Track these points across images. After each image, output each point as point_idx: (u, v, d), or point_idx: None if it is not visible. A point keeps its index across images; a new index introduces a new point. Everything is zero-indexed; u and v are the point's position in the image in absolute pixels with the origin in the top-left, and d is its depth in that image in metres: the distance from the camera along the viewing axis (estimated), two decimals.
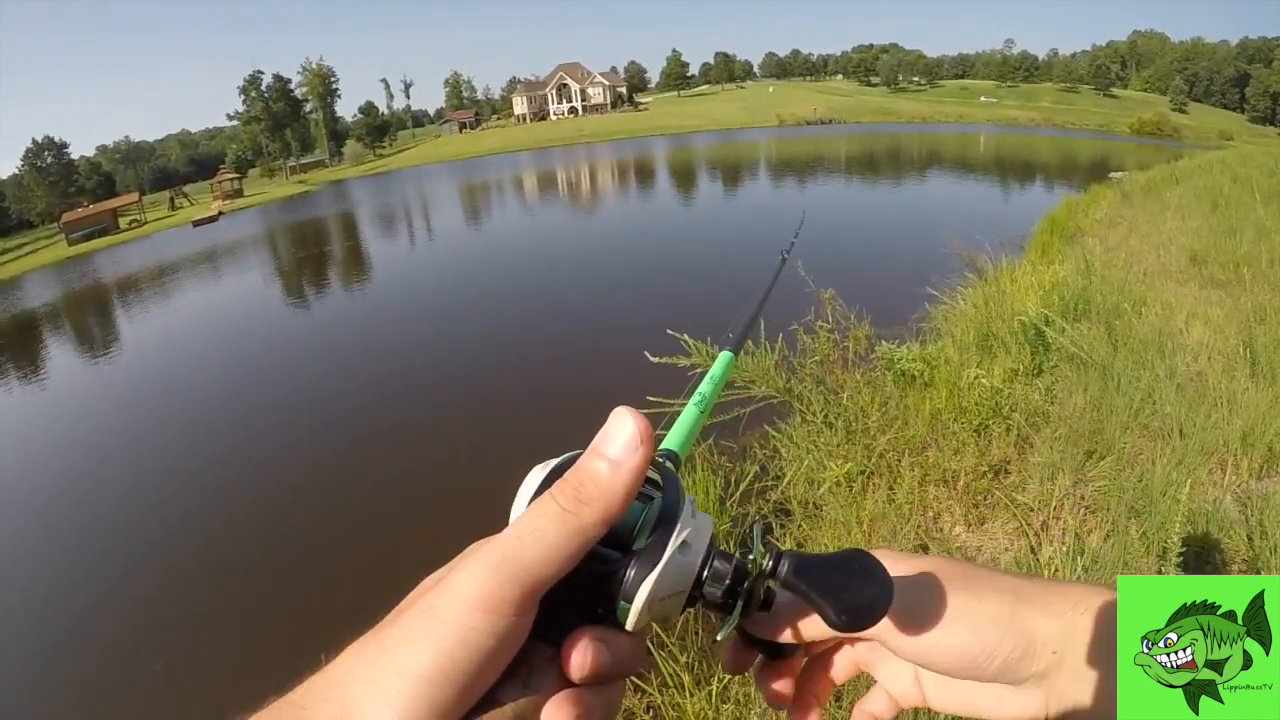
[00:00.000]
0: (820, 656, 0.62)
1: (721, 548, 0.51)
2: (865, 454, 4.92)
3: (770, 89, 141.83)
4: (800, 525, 4.79)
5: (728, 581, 0.50)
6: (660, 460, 0.56)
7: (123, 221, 66.93)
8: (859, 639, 0.60)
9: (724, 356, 0.78)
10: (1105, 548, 3.63)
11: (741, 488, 5.39)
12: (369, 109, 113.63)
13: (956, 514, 4.41)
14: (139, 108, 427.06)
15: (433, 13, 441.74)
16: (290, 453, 9.80)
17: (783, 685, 0.59)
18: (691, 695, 3.51)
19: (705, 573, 0.49)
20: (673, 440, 0.61)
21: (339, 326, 17.75)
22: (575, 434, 0.54)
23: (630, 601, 0.46)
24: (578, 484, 0.45)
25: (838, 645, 0.62)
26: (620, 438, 0.45)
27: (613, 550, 0.47)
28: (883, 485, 4.66)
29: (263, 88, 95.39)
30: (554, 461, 0.50)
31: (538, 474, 0.49)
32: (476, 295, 17.60)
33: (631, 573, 0.46)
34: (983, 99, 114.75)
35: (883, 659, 0.60)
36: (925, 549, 4.06)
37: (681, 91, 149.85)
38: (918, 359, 5.90)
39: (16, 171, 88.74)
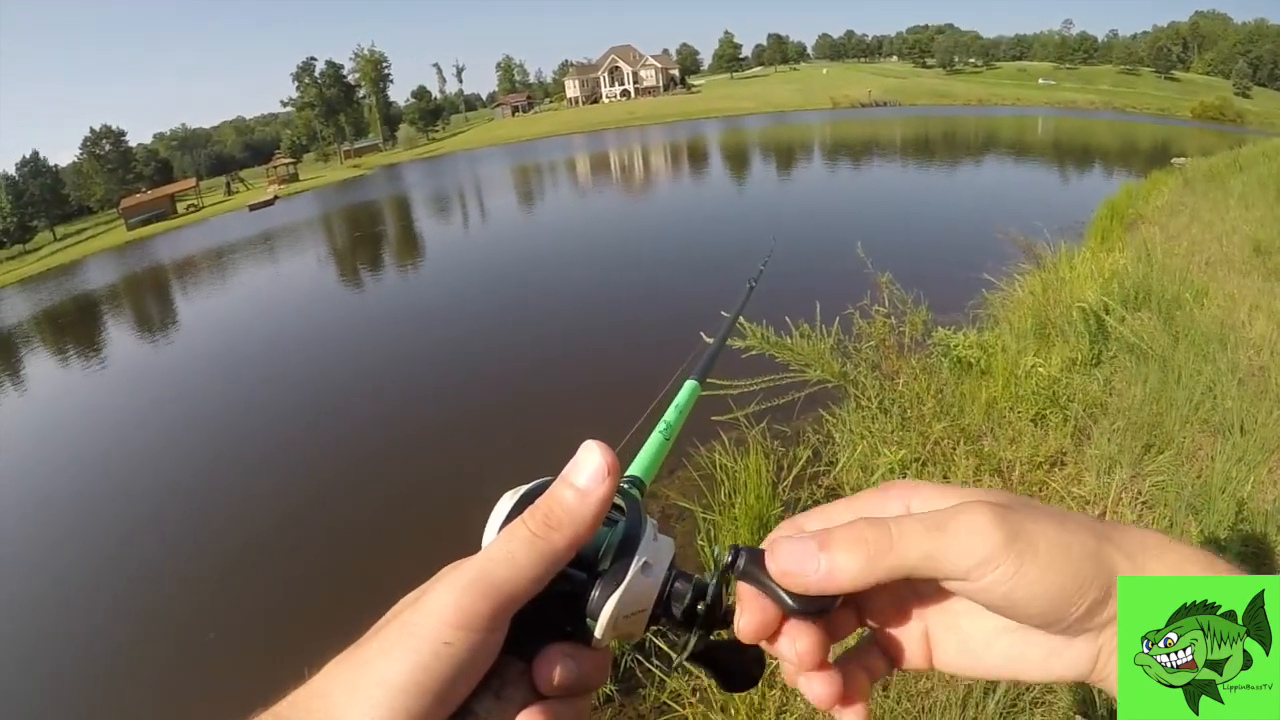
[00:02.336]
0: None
1: (685, 569, 0.54)
2: (920, 441, 4.90)
3: (824, 71, 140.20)
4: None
5: (687, 600, 0.53)
6: (625, 486, 0.59)
7: (180, 206, 68.22)
8: (919, 584, 0.50)
9: (689, 385, 0.79)
10: None
11: (794, 472, 5.39)
12: (422, 93, 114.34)
13: None
14: (195, 95, 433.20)
15: None
16: (346, 428, 10.00)
17: (812, 647, 0.50)
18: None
19: (666, 592, 0.52)
20: (638, 467, 0.64)
21: (390, 307, 18.09)
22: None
23: (596, 619, 0.49)
24: (548, 510, 0.48)
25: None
26: (588, 469, 0.48)
27: (579, 571, 0.50)
28: (937, 474, 4.64)
29: (316, 74, 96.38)
30: (524, 488, 0.53)
31: (508, 500, 0.53)
32: (526, 280, 17.63)
33: (597, 592, 0.49)
34: (1041, 81, 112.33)
35: (896, 614, 0.55)
36: None
37: (734, 74, 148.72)
38: (974, 346, 5.85)
39: (76, 159, 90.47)
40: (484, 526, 0.52)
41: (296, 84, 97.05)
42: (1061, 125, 58.20)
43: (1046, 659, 0.50)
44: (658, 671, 3.76)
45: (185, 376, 15.05)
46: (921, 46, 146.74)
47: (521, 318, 13.97)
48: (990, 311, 8.04)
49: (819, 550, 0.48)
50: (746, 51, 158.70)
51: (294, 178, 78.02)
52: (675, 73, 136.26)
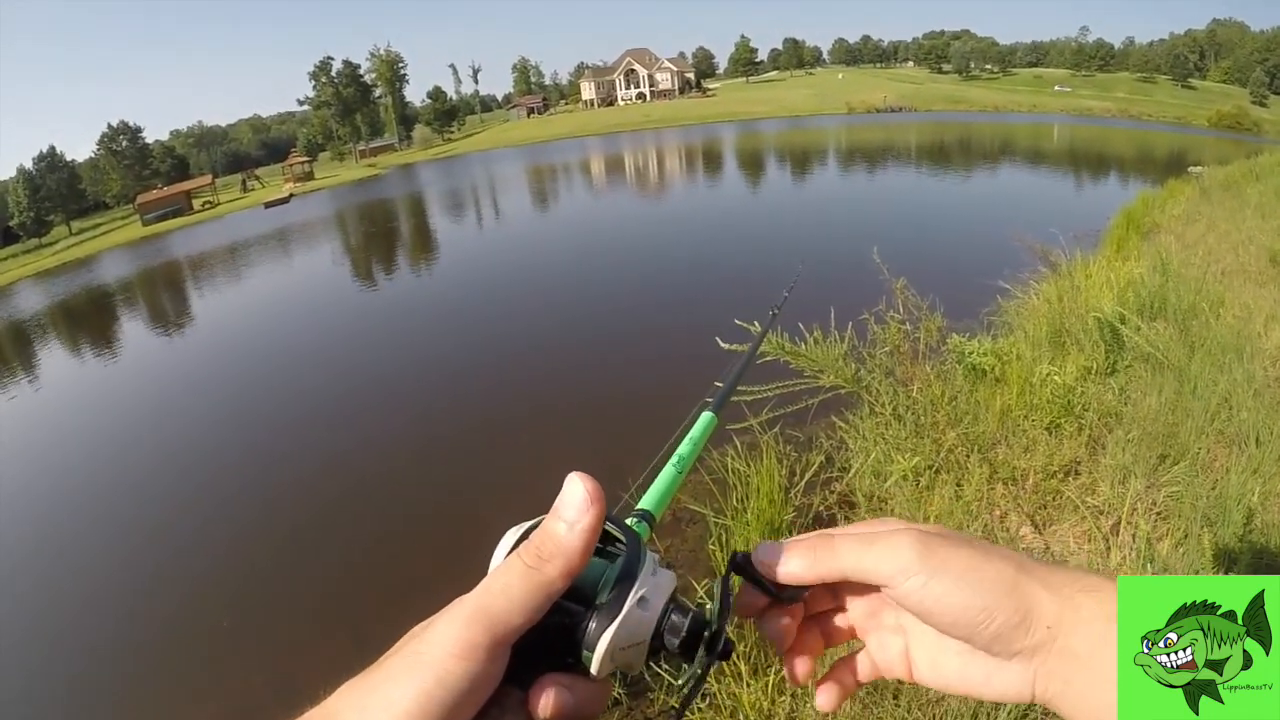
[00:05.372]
0: (819, 617, 0.67)
1: (684, 600, 0.56)
2: (933, 449, 4.88)
3: (840, 76, 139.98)
4: (865, 518, 4.76)
5: (684, 633, 0.54)
6: (634, 520, 0.62)
7: (196, 203, 68.70)
8: (859, 597, 0.65)
9: (706, 418, 0.81)
10: (1176, 555, 3.57)
11: (806, 478, 5.39)
12: (437, 94, 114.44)
13: (1024, 514, 4.36)
14: (212, 93, 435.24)
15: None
16: (348, 438, 9.99)
17: (785, 626, 0.63)
18: (748, 685, 3.54)
19: (663, 624, 0.54)
20: (648, 501, 0.66)
21: (403, 304, 18.13)
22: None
23: (592, 650, 0.51)
24: (539, 544, 0.51)
25: (837, 608, 0.67)
26: (573, 501, 0.50)
27: (578, 605, 0.52)
28: (950, 481, 4.63)
29: (333, 73, 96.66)
30: (526, 524, 0.55)
31: (512, 535, 0.55)
32: (540, 289, 17.48)
33: (593, 624, 0.51)
34: (1057, 88, 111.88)
35: (876, 628, 0.65)
36: None
37: (750, 78, 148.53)
38: (989, 353, 5.84)
39: (92, 155, 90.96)
40: (491, 550, 0.55)
41: (313, 83, 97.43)
42: (1078, 133, 57.98)
43: (988, 677, 0.57)
44: (667, 676, 3.75)
45: (192, 372, 15.19)
46: (938, 52, 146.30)
47: (533, 330, 13.73)
48: (1005, 319, 8.02)
49: (785, 551, 0.61)
50: (762, 56, 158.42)
51: (309, 176, 78.38)
52: (691, 76, 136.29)
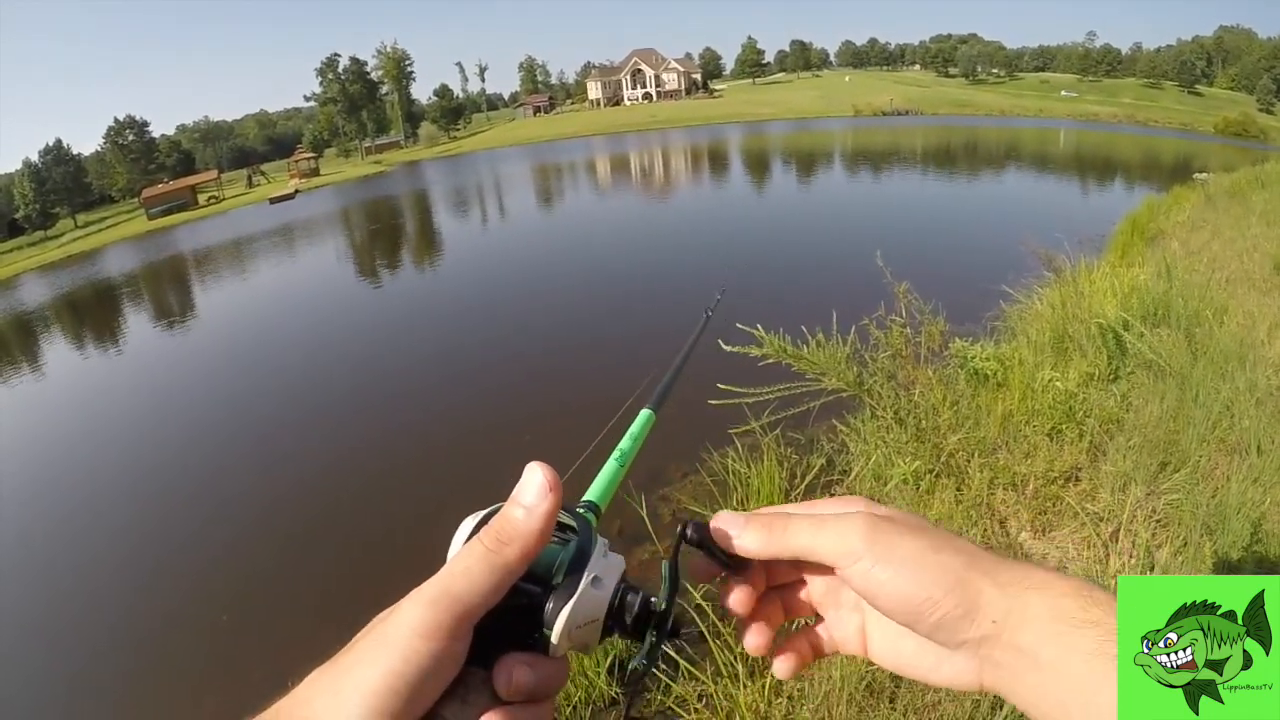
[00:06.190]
0: (781, 588, 0.68)
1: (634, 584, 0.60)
2: (934, 453, 4.88)
3: (846, 78, 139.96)
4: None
5: (636, 611, 0.58)
6: (581, 510, 0.65)
7: (201, 198, 68.78)
8: (820, 574, 0.66)
9: (645, 414, 0.86)
10: (1176, 563, 3.57)
11: (807, 480, 5.40)
12: (444, 92, 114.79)
13: (1024, 519, 4.36)
14: (219, 88, 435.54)
15: None
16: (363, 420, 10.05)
17: (742, 597, 0.64)
18: (745, 686, 3.54)
19: (616, 602, 0.58)
20: (594, 492, 0.70)
21: (402, 302, 18.20)
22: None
23: (551, 629, 0.54)
24: (499, 528, 0.54)
25: (798, 582, 0.68)
26: (531, 487, 0.54)
27: (535, 586, 0.55)
28: (950, 486, 4.63)
29: (340, 70, 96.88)
30: (483, 512, 0.58)
31: (469, 523, 0.58)
32: (526, 285, 17.57)
33: (550, 605, 0.54)
34: (1063, 93, 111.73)
35: (835, 604, 0.67)
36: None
37: (756, 79, 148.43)
38: (991, 358, 5.83)
39: (99, 148, 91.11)
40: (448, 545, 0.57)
41: (320, 79, 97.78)
42: (1084, 138, 57.89)
43: (938, 664, 0.59)
44: (663, 677, 3.76)
45: (194, 368, 15.21)
46: (944, 55, 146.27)
47: (510, 328, 13.81)
48: (1008, 324, 8.02)
49: (743, 524, 0.62)
50: (769, 57, 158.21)
51: (315, 172, 78.50)
52: (697, 77, 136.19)
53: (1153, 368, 5.61)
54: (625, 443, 0.78)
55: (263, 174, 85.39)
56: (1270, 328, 6.62)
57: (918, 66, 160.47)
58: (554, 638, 0.54)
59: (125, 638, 6.44)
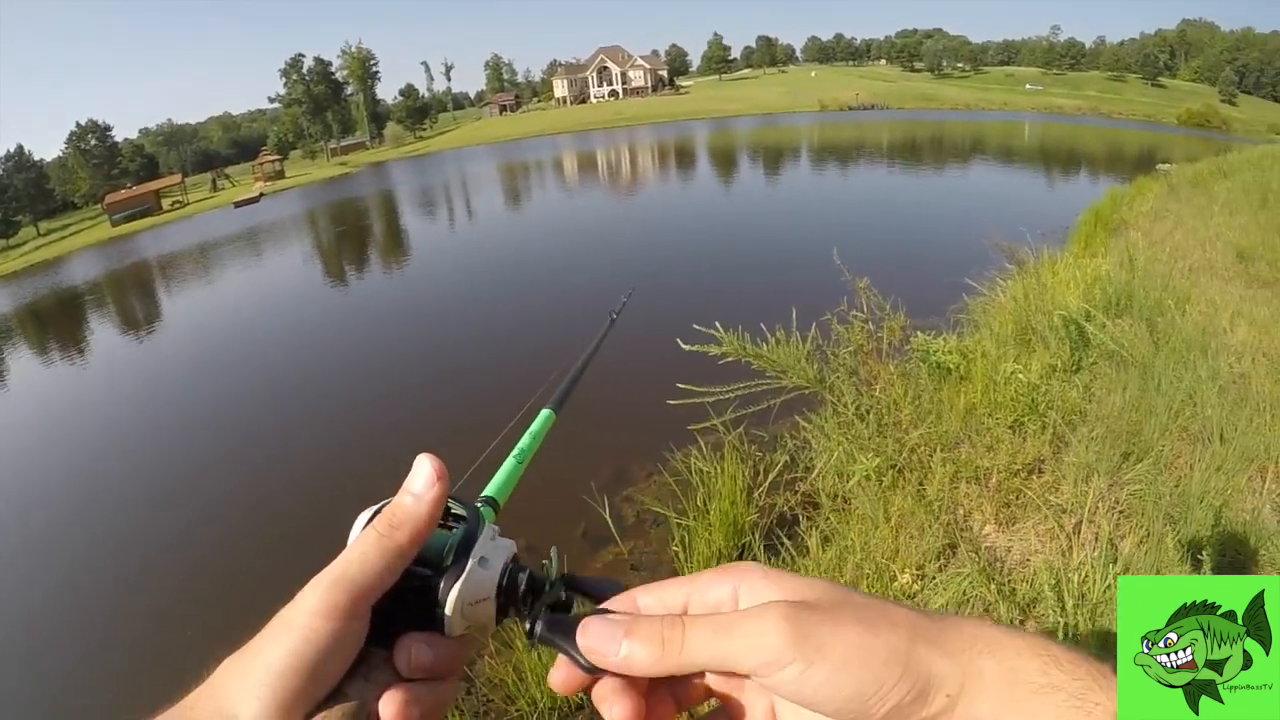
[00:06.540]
0: (669, 679, 0.56)
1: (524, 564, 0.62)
2: (896, 448, 4.85)
3: (812, 73, 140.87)
4: (828, 519, 4.73)
5: (523, 588, 0.60)
6: (480, 504, 0.69)
7: (165, 203, 68.18)
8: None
9: (544, 414, 0.89)
10: (1140, 554, 3.54)
11: (770, 478, 5.35)
12: (409, 91, 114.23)
13: (988, 513, 4.33)
14: (181, 90, 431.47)
15: None
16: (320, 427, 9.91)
17: (626, 708, 0.53)
18: None
19: (504, 581, 0.59)
20: (492, 488, 0.73)
21: (371, 301, 18.25)
22: None
23: (443, 608, 0.56)
24: (390, 514, 0.56)
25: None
26: (420, 476, 0.57)
27: (427, 569, 0.57)
28: (913, 481, 4.59)
29: (304, 71, 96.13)
30: (377, 505, 0.59)
31: (366, 514, 0.59)
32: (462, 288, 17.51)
33: (442, 585, 0.57)
34: (1028, 86, 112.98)
35: (737, 688, 0.56)
36: (954, 548, 3.99)
37: (723, 75, 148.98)
38: (954, 351, 5.81)
39: (61, 154, 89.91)
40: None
41: (284, 80, 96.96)
42: (1048, 131, 58.57)
43: None
44: None
45: (160, 374, 15.05)
46: (910, 50, 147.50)
47: (437, 333, 14.00)
48: (972, 317, 8.01)
49: (623, 637, 0.53)
50: (735, 53, 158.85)
51: (280, 175, 77.94)
52: (664, 74, 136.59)
53: (1115, 358, 5.62)
54: (524, 441, 0.81)
55: (227, 177, 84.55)
56: (1232, 315, 6.67)
57: (884, 61, 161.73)
58: (446, 616, 0.56)
59: (113, 637, 6.40)
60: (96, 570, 7.52)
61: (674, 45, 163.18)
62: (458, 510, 0.61)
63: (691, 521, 5.00)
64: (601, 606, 0.58)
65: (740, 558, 4.69)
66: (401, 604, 0.56)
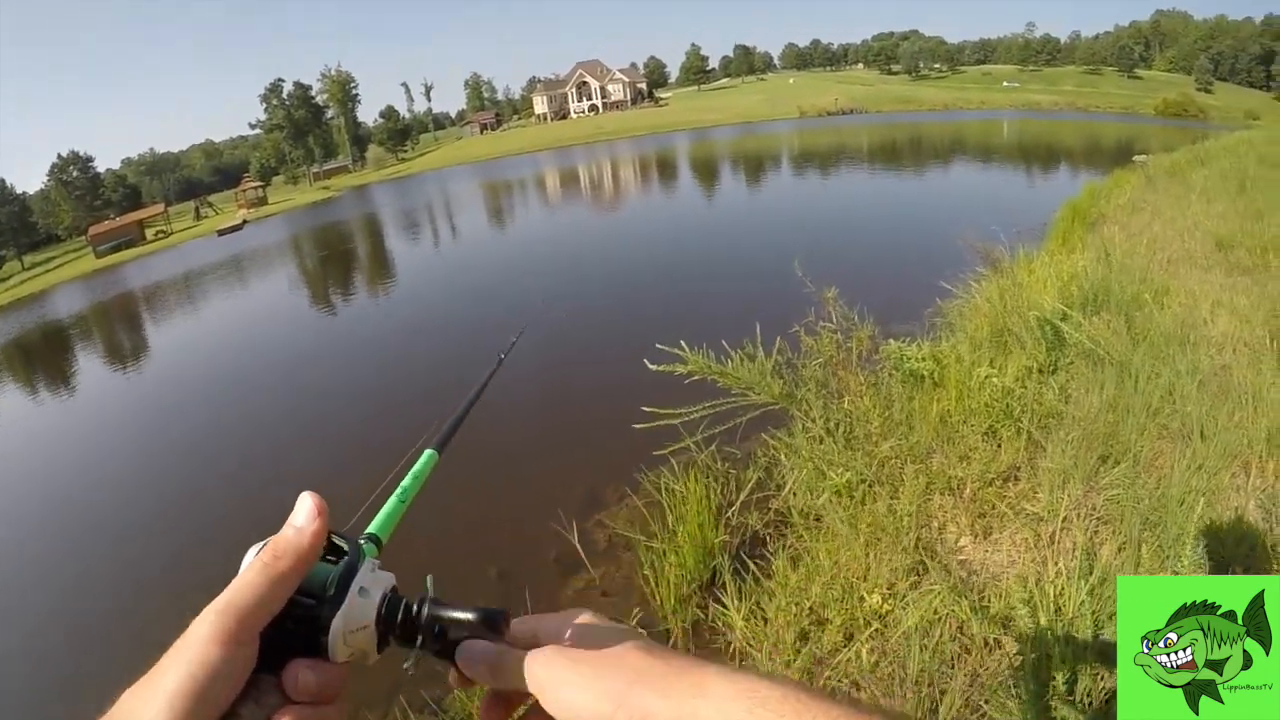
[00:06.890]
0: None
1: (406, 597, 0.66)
2: (866, 461, 4.73)
3: (791, 80, 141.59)
4: (800, 537, 4.61)
5: (400, 617, 0.65)
6: (363, 541, 0.71)
7: (149, 233, 68.17)
8: None
9: (427, 454, 0.90)
10: (1117, 562, 3.42)
11: (742, 496, 5.24)
12: (390, 113, 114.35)
13: (962, 524, 4.20)
14: (163, 119, 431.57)
15: (454, 14, 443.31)
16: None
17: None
18: None
19: (383, 610, 0.64)
20: (375, 525, 0.75)
21: (357, 324, 18.15)
22: None
23: (327, 635, 0.60)
24: (274, 544, 0.61)
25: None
26: (302, 511, 0.63)
27: (310, 599, 0.61)
28: (885, 494, 4.47)
29: (284, 95, 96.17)
30: (265, 540, 0.62)
31: (256, 547, 0.62)
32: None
33: (325, 613, 0.61)
34: (1005, 84, 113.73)
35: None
36: (925, 566, 3.86)
37: (702, 86, 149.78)
38: (927, 357, 5.69)
39: (43, 186, 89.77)
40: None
41: (264, 106, 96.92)
42: (1027, 127, 58.92)
43: None
44: None
45: (151, 404, 14.98)
46: (887, 53, 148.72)
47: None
48: (947, 320, 7.92)
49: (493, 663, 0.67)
50: (714, 63, 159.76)
51: (263, 201, 77.92)
52: (643, 86, 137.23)
53: (1091, 356, 5.52)
54: (407, 481, 0.84)
55: (210, 205, 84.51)
56: (1213, 305, 6.60)
57: (861, 65, 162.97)
58: (330, 643, 0.60)
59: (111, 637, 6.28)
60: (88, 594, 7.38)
61: (652, 57, 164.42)
62: (341, 544, 0.65)
63: (661, 543, 4.87)
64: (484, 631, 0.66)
65: (711, 581, 4.62)
66: (288, 632, 0.59)
